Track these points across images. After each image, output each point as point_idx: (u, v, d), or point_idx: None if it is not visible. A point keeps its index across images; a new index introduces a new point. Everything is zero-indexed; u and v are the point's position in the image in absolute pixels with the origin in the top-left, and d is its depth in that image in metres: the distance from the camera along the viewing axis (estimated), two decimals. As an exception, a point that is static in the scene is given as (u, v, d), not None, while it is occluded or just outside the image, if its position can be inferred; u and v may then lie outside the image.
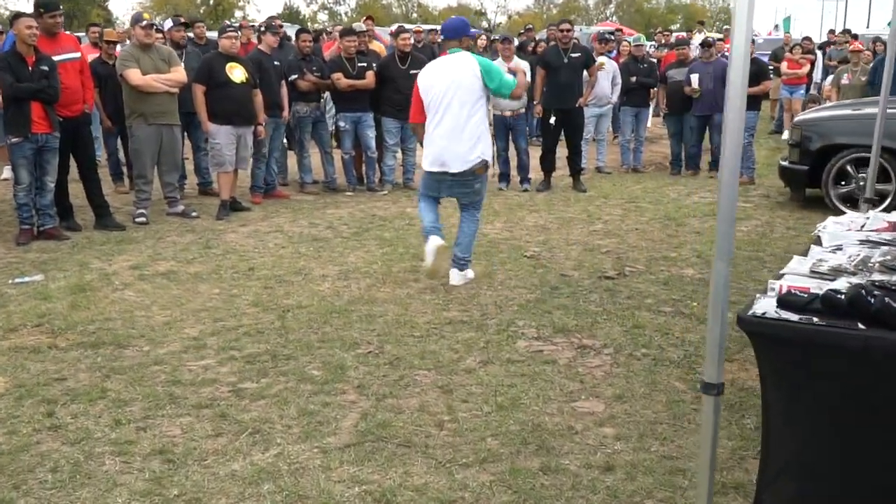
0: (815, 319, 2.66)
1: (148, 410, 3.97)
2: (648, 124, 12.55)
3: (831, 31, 19.94)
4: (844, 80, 11.06)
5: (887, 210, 8.11)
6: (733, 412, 3.95)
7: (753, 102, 10.59)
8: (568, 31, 9.62)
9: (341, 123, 9.43)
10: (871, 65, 11.07)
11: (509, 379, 4.34)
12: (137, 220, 7.94)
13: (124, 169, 9.56)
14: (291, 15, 55.33)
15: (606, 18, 63.89)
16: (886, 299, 2.65)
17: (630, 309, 5.49)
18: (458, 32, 5.97)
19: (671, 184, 10.35)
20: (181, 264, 6.54)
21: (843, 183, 8.46)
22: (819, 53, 16.66)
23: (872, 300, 2.65)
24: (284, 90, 9.11)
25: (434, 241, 5.76)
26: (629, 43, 13.10)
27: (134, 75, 7.78)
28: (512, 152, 9.96)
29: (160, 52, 8.10)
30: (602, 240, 7.40)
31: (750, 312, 2.74)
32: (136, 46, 7.94)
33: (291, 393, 4.16)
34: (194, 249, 7.01)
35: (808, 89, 14.99)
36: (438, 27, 14.29)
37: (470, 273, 6.08)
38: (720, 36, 14.61)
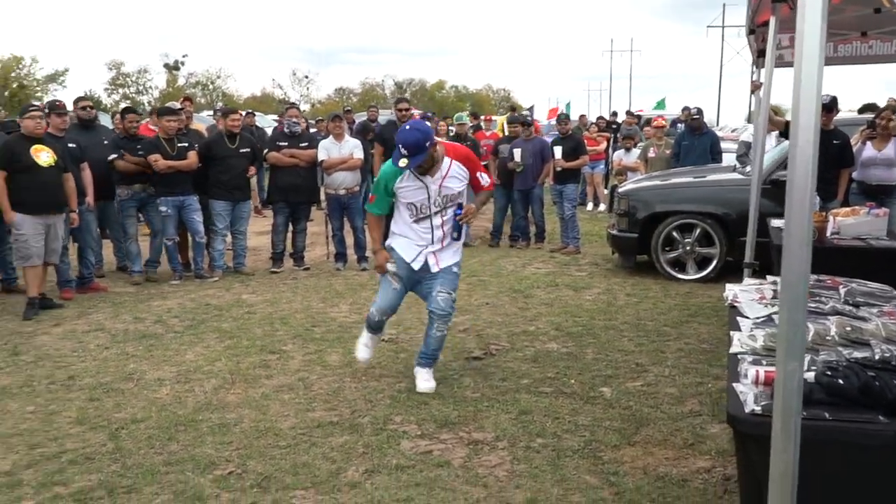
0: (827, 414, 2.11)
1: (-58, 589, 2.82)
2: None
3: (613, 113, 20.86)
4: (651, 154, 11.27)
5: (713, 273, 8.11)
6: (662, 508, 3.35)
7: (573, 176, 10.54)
8: (406, 109, 9.28)
9: (163, 208, 8.30)
10: (675, 139, 11.37)
11: (403, 491, 3.54)
12: (-76, 326, 6.45)
13: None
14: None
15: (404, 106, 65.05)
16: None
17: (509, 392, 4.85)
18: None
19: (504, 256, 9.96)
20: (-18, 378, 5.23)
21: (668, 249, 8.36)
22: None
23: (880, 384, 2.14)
24: (87, 174, 7.87)
25: None
26: (452, 120, 12.84)
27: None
28: (347, 230, 9.21)
29: (-52, 135, 6.75)
30: (456, 317, 6.74)
31: (749, 410, 2.14)
32: (-81, 128, 6.54)
33: (140, 540, 3.14)
34: (-2, 358, 5.69)
35: (606, 163, 15.36)
36: (252, 111, 13.58)
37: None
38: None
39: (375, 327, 5.13)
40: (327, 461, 3.88)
